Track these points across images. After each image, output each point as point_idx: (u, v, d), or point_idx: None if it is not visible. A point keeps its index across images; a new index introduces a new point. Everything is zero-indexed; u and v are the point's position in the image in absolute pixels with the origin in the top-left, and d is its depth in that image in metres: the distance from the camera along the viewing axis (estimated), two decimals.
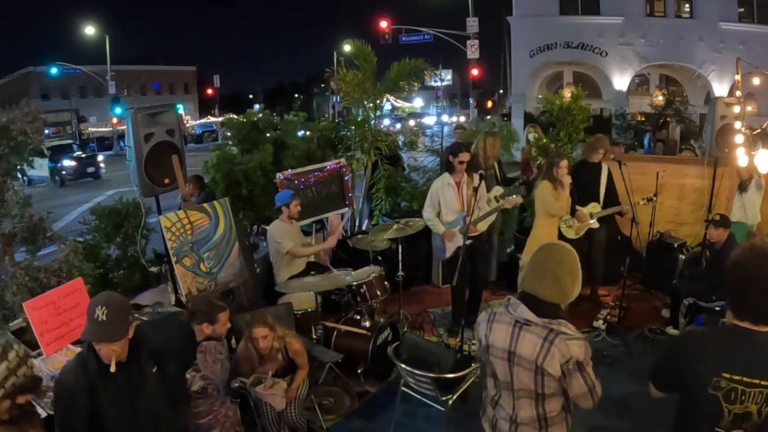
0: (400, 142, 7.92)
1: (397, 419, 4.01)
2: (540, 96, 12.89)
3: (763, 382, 1.83)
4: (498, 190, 5.71)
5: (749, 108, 9.05)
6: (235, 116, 8.71)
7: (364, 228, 7.40)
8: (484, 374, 2.43)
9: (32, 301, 3.48)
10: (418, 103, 51.57)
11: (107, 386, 2.33)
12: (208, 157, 6.89)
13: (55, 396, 2.48)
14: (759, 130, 5.25)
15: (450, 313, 5.68)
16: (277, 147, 6.96)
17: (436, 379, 3.55)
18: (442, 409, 3.64)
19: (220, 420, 3.45)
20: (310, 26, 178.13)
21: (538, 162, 6.99)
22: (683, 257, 6.19)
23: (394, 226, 5.15)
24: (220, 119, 36.34)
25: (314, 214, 6.16)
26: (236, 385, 3.53)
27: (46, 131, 33.29)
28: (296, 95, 62.13)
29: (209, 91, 50.74)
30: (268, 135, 7.19)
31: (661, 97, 19.43)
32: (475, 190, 4.73)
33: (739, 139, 4.54)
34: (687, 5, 19.59)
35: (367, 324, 4.79)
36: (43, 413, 2.79)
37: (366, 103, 7.19)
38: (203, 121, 47.98)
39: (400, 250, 5.25)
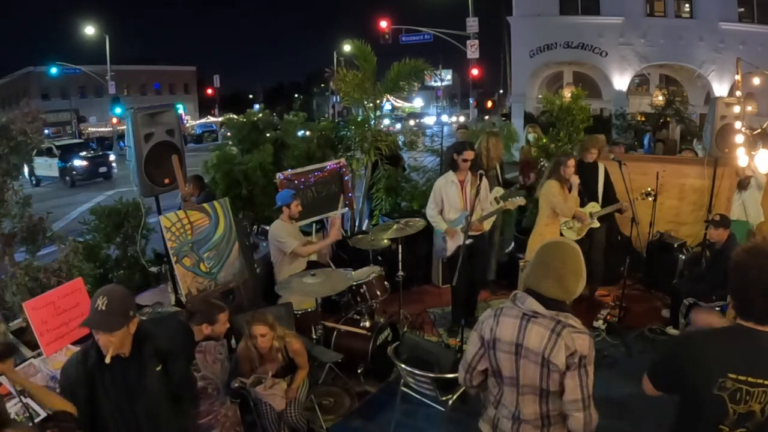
0: (400, 142, 7.92)
1: (397, 419, 4.01)
2: (540, 96, 12.89)
3: (767, 382, 1.84)
4: (498, 191, 5.71)
5: (749, 108, 9.05)
6: (235, 116, 8.73)
7: (364, 228, 7.40)
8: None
9: (32, 301, 3.48)
10: (418, 103, 51.52)
11: (102, 377, 2.37)
12: (208, 157, 6.89)
13: (59, 386, 2.56)
14: (759, 130, 5.27)
15: (450, 313, 5.68)
16: (277, 147, 6.95)
17: (436, 379, 3.55)
18: (442, 409, 3.63)
19: (220, 420, 3.45)
20: (310, 26, 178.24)
21: (541, 165, 6.98)
22: (683, 257, 6.19)
23: (394, 226, 5.14)
24: (220, 119, 36.35)
25: (314, 214, 6.15)
26: (236, 385, 3.54)
27: (46, 131, 33.26)
28: (296, 95, 62.02)
29: (209, 91, 50.65)
30: (268, 135, 7.19)
31: (661, 97, 19.41)
32: (477, 189, 4.73)
33: (739, 139, 4.55)
34: (687, 5, 19.57)
35: (367, 324, 4.80)
36: (42, 413, 2.80)
37: (366, 103, 7.19)
38: (203, 121, 47.93)
39: (400, 250, 5.25)
